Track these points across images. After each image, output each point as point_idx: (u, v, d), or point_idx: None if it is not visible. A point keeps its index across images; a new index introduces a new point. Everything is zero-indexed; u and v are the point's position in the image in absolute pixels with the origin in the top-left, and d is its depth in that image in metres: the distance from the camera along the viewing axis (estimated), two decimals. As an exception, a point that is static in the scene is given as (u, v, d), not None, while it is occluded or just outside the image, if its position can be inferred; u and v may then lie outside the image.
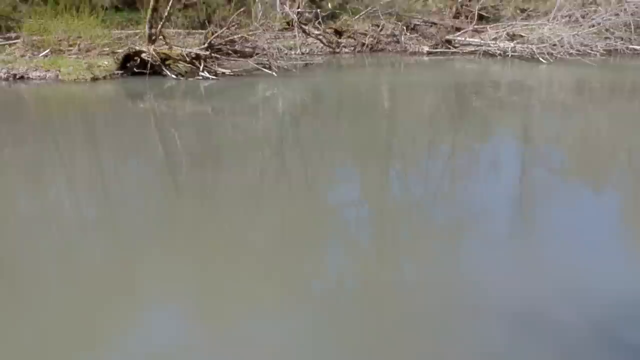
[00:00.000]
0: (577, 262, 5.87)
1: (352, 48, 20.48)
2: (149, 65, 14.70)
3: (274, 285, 5.26)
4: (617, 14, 20.20)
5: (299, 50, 18.83)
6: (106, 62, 15.22)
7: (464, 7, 22.06)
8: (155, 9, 15.12)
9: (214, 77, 14.83)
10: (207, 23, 16.81)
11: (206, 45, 15.13)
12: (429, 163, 9.51)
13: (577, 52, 18.79)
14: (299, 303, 5.00)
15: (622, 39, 19.87)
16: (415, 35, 20.93)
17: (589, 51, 19.02)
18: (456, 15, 22.20)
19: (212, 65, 15.10)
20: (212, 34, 15.48)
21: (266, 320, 4.71)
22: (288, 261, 5.71)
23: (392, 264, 5.92)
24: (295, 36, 19.30)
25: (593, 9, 20.93)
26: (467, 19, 21.65)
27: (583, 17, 20.40)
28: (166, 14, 15.47)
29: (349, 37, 20.57)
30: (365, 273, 5.55)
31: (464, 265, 5.76)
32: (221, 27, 15.85)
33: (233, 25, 15.94)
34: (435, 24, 21.50)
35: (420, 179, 8.73)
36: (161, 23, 15.13)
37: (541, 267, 5.76)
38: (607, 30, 20.02)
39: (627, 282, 5.48)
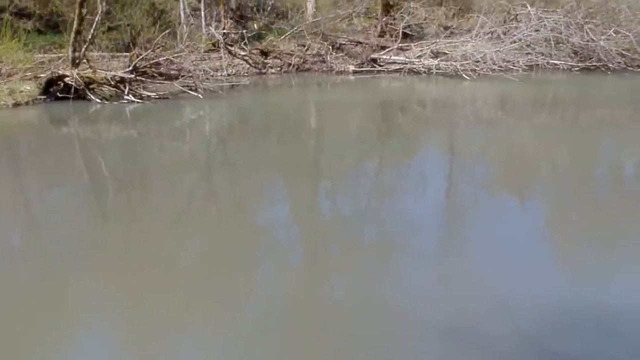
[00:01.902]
0: (504, 275, 6.16)
1: (279, 68, 20.75)
2: (72, 89, 14.67)
3: (204, 307, 5.35)
4: (537, 30, 21.09)
5: (225, 72, 19.03)
6: (28, 87, 15.13)
7: (388, 25, 22.59)
8: (78, 32, 15.10)
9: (139, 100, 14.88)
10: (131, 45, 16.76)
11: (131, 68, 15.19)
12: (357, 181, 9.68)
13: (500, 68, 19.61)
14: (229, 325, 5.06)
15: (542, 54, 20.85)
16: (341, 54, 21.31)
17: (511, 67, 19.87)
18: (381, 34, 22.69)
19: (137, 88, 15.14)
20: (137, 56, 15.53)
21: (196, 343, 4.76)
22: (218, 283, 5.78)
23: (322, 282, 6.03)
24: (221, 57, 19.49)
25: (514, 25, 21.80)
26: (391, 37, 22.20)
27: (505, 33, 21.21)
28: (90, 36, 15.53)
29: (275, 57, 20.80)
30: (296, 293, 5.65)
31: (394, 281, 5.99)
32: (146, 49, 15.93)
33: (158, 48, 16.03)
34: (360, 43, 21.95)
35: (349, 196, 8.89)
36: (85, 46, 15.13)
37: (470, 280, 5.99)
38: (528, 46, 20.94)
39: (553, 293, 5.74)
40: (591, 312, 5.39)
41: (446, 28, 23.49)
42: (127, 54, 17.02)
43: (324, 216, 8.41)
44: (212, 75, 18.18)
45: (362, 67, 21.34)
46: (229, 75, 19.69)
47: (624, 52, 22.26)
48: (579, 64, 21.92)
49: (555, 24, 22.12)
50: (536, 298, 5.55)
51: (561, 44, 22.11)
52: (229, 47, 20.45)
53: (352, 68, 21.24)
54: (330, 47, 21.89)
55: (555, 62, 21.61)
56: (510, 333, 5.00)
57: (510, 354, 4.78)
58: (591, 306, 5.48)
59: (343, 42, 22.42)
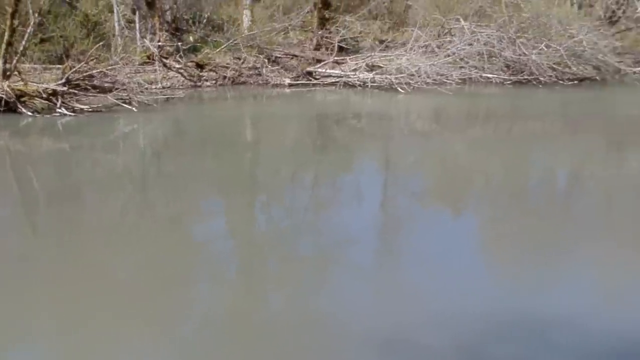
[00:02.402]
0: (440, 286, 6.25)
1: (214, 81, 20.80)
2: (3, 102, 14.37)
3: (138, 323, 5.31)
4: (470, 44, 21.59)
5: (159, 85, 18.98)
6: (-43, 100, 14.75)
7: (324, 39, 22.80)
8: (10, 44, 14.91)
9: (72, 113, 14.79)
10: (64, 57, 16.54)
11: (64, 80, 15.08)
12: (293, 194, 9.77)
13: (434, 82, 20.06)
14: (164, 340, 5.05)
15: (476, 67, 21.42)
16: (277, 67, 21.45)
17: (445, 80, 20.33)
18: (317, 47, 22.89)
19: (70, 101, 15.03)
20: (70, 68, 15.44)
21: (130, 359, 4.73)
22: (152, 298, 5.77)
23: (259, 296, 6.07)
24: (156, 70, 19.35)
25: (448, 39, 22.30)
26: (327, 50, 22.43)
27: (439, 47, 21.69)
28: (22, 48, 15.23)
29: (211, 70, 20.85)
30: (231, 306, 5.67)
31: (330, 294, 6.09)
32: (79, 61, 15.87)
33: (92, 60, 15.92)
34: (296, 56, 22.07)
35: (285, 209, 8.96)
36: (16, 58, 14.94)
37: (406, 292, 6.09)
38: (461, 59, 21.37)
39: (488, 303, 5.87)
40: (525, 321, 5.52)
41: (381, 42, 23.83)
42: (60, 66, 16.88)
43: (260, 229, 8.45)
44: (147, 88, 18.14)
45: (297, 80, 21.52)
46: (163, 88, 19.64)
47: (555, 66, 22.96)
48: (512, 78, 22.53)
49: (488, 38, 22.68)
50: (471, 309, 5.68)
51: (494, 58, 22.68)
52: (164, 60, 20.43)
53: (287, 81, 21.39)
54: (266, 60, 22.03)
55: (488, 75, 22.15)
56: (446, 344, 5.10)
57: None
58: (525, 315, 5.60)
59: (279, 55, 22.58)
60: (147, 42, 20.77)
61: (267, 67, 21.98)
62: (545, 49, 23.13)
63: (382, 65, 21.42)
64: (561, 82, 22.96)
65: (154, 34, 21.49)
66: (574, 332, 5.32)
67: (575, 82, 23.22)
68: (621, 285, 6.37)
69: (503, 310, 5.69)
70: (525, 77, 22.77)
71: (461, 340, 5.15)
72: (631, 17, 28.15)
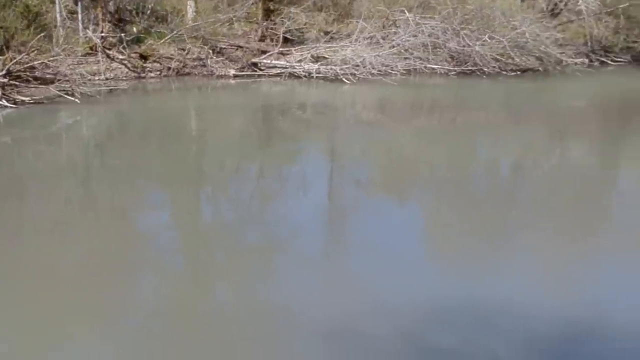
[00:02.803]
0: (385, 275, 6.37)
1: (158, 72, 20.70)
2: (-59, 94, 14.11)
3: (83, 317, 5.34)
4: (415, 36, 21.88)
5: (103, 76, 18.79)
6: None
7: (269, 30, 22.86)
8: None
9: (13, 105, 14.58)
10: (4, 49, 16.23)
11: (4, 72, 14.79)
12: (239, 185, 9.84)
13: (379, 72, 20.30)
14: (110, 333, 5.09)
15: (420, 58, 21.69)
16: (222, 58, 21.44)
17: (390, 71, 20.57)
18: (262, 39, 22.93)
19: (11, 93, 14.84)
20: (11, 60, 15.11)
21: (75, 352, 4.73)
22: (98, 291, 5.76)
23: (205, 287, 6.10)
24: (99, 61, 19.07)
25: (393, 30, 22.55)
26: (272, 41, 22.42)
27: (384, 38, 21.90)
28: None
29: (155, 61, 20.73)
30: (178, 298, 5.69)
31: (276, 284, 6.13)
32: (20, 52, 15.51)
33: (33, 51, 15.65)
34: (241, 47, 22.00)
35: (230, 201, 9.03)
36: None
37: (351, 282, 6.21)
38: (406, 50, 21.54)
39: (433, 291, 6.02)
40: (469, 308, 5.68)
41: (326, 33, 23.94)
42: (0, 57, 16.54)
43: (206, 221, 8.50)
44: (90, 80, 18.01)
45: (243, 72, 21.54)
46: (107, 79, 19.49)
47: (498, 57, 23.35)
48: (456, 68, 22.88)
49: (433, 29, 22.97)
50: (416, 297, 5.85)
51: (438, 49, 23.00)
52: (107, 51, 20.23)
53: (232, 72, 21.39)
54: (211, 51, 21.98)
55: (433, 66, 22.47)
56: (391, 332, 5.23)
57: (391, 353, 4.99)
58: (469, 303, 5.77)
59: (224, 46, 22.55)
60: (89, 33, 20.56)
61: (211, 58, 21.92)
62: (489, 41, 23.50)
63: (327, 57, 21.55)
64: (504, 72, 23.37)
65: (97, 24, 21.29)
66: (516, 318, 5.53)
67: (518, 72, 23.69)
68: (561, 272, 6.58)
69: (448, 298, 5.84)
70: (469, 67, 23.13)
71: (406, 328, 5.32)
72: (572, 10, 28.72)
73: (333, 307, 5.61)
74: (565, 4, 29.04)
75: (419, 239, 7.82)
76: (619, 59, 29.00)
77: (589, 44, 28.22)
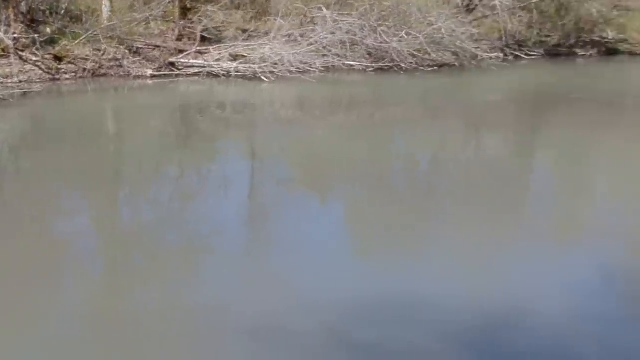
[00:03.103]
0: (308, 272, 6.53)
1: (74, 74, 20.32)
2: None
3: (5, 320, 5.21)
4: (333, 33, 22.10)
5: (16, 79, 18.26)
6: None
7: (186, 29, 22.70)
8: None
9: None
10: None
11: None
12: (158, 186, 9.85)
13: (298, 70, 20.45)
14: (28, 339, 5.00)
15: (338, 55, 21.71)
16: (139, 58, 21.25)
17: (309, 68, 20.78)
18: (179, 38, 22.82)
19: None
20: None
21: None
22: (13, 298, 5.65)
23: (127, 289, 6.07)
24: (11, 63, 18.58)
25: (311, 28, 22.56)
26: (190, 40, 22.24)
27: (302, 36, 22.08)
28: None
29: (70, 62, 20.33)
30: (98, 303, 5.65)
31: (199, 284, 6.13)
32: None
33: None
34: (158, 46, 21.76)
35: (150, 203, 9.04)
36: None
37: (276, 280, 6.32)
38: (324, 48, 21.62)
39: (356, 287, 6.14)
40: (392, 303, 5.83)
41: (244, 31, 23.88)
42: None
43: (125, 223, 8.48)
44: (2, 83, 17.54)
45: (160, 71, 21.38)
46: (20, 82, 19.06)
47: (415, 53, 23.74)
48: (374, 65, 23.18)
49: (350, 26, 23.22)
50: (339, 294, 5.96)
51: (356, 46, 23.27)
52: (20, 53, 19.78)
53: (150, 72, 21.17)
54: (127, 51, 21.72)
55: (351, 63, 22.70)
56: (315, 330, 5.35)
57: (316, 350, 5.10)
58: (392, 298, 5.91)
59: (140, 46, 22.34)
60: (1, 34, 20.07)
61: (128, 58, 21.68)
62: (406, 37, 23.90)
63: (245, 55, 21.58)
64: (422, 68, 23.77)
65: (9, 25, 20.82)
66: (438, 311, 5.72)
67: (435, 68, 24.13)
68: (479, 264, 6.77)
69: (370, 292, 5.98)
70: (387, 64, 23.47)
71: (329, 324, 5.45)
72: (487, 5, 29.40)
73: (256, 305, 5.69)
74: (480, 0, 29.62)
75: (340, 235, 7.96)
76: (532, 53, 29.84)
77: (504, 38, 28.94)
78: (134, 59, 21.94)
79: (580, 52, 31.83)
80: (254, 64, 21.09)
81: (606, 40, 32.88)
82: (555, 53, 30.70)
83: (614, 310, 5.91)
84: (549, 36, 30.83)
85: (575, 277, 6.59)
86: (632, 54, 32.87)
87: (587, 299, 6.08)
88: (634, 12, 33.56)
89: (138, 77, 21.23)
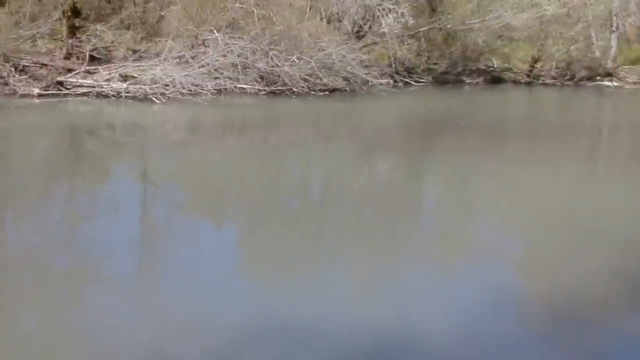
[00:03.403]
0: (198, 297, 6.50)
1: (-44, 93, 19.43)
2: None
3: None
4: (224, 55, 22.30)
5: None
6: None
7: (74, 47, 22.19)
8: None
9: None
10: None
11: None
12: (45, 210, 9.56)
13: (189, 92, 20.49)
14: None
15: (230, 78, 21.85)
16: (25, 76, 20.59)
17: (200, 90, 20.87)
18: (67, 56, 22.47)
19: None
20: None
21: None
22: None
23: (10, 317, 5.88)
24: None
25: (202, 50, 22.49)
26: (78, 60, 21.84)
27: (193, 58, 22.08)
28: None
29: (-49, 81, 19.50)
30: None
31: (86, 310, 6.04)
32: None
33: None
34: (45, 65, 21.25)
35: (37, 227, 8.74)
36: None
37: (166, 305, 6.29)
38: (216, 70, 21.68)
39: (246, 310, 6.17)
40: (284, 325, 5.91)
41: (135, 52, 23.67)
42: None
43: (10, 248, 8.22)
44: None
45: (48, 90, 20.95)
46: None
47: (306, 77, 24.09)
48: (266, 88, 23.46)
49: (242, 49, 23.43)
50: (229, 317, 6.02)
51: (248, 69, 23.45)
52: None
53: (37, 91, 20.71)
54: (13, 69, 21.13)
55: (243, 86, 22.89)
56: (205, 354, 5.35)
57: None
58: (282, 321, 5.98)
59: (27, 64, 21.75)
60: None
61: (14, 76, 21.11)
62: (297, 61, 24.24)
63: (136, 76, 21.44)
64: (313, 92, 24.13)
65: None
66: (329, 335, 5.80)
67: (327, 92, 24.54)
68: (372, 285, 6.93)
69: (262, 317, 6.03)
70: (279, 87, 23.76)
71: (220, 349, 5.50)
72: (377, 32, 30.05)
73: (145, 331, 5.67)
74: (370, 27, 30.34)
75: (231, 259, 8.02)
76: (421, 80, 30.67)
77: (393, 65, 29.68)
78: (20, 77, 21.44)
79: (467, 79, 32.95)
80: (144, 84, 20.99)
81: (491, 68, 34.23)
82: (443, 80, 31.67)
83: (503, 330, 6.15)
84: (437, 64, 31.78)
85: (464, 298, 6.82)
86: (515, 82, 34.30)
87: (476, 320, 6.29)
88: (517, 42, 35.01)
89: (24, 95, 20.75)
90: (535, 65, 35.07)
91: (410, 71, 30.69)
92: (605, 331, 6.14)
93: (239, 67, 23.37)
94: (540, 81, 34.90)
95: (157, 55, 23.38)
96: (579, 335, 6.02)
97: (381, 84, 27.21)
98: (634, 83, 36.22)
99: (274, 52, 24.19)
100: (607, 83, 35.91)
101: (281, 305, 6.36)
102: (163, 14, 27.47)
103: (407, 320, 6.17)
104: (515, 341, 5.94)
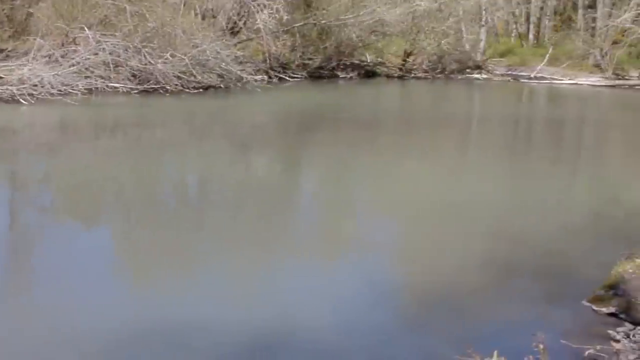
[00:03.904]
0: (76, 303, 6.50)
1: None
2: None
3: None
4: (96, 54, 22.07)
5: None
6: None
7: None
8: None
9: None
10: None
11: None
12: None
13: (59, 92, 20.45)
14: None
15: (102, 77, 21.68)
16: None
17: (71, 90, 20.63)
18: None
19: None
20: None
21: None
22: None
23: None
24: None
25: (73, 48, 22.22)
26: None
27: (63, 56, 21.77)
28: None
29: None
30: None
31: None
32: None
33: None
34: None
35: None
36: None
37: (40, 313, 6.25)
38: (87, 69, 21.37)
39: (128, 315, 6.22)
40: (164, 330, 5.99)
41: (1, 51, 23.05)
42: None
43: None
44: None
45: None
46: None
47: (180, 74, 24.06)
48: (139, 87, 23.32)
49: (114, 47, 23.24)
50: (107, 321, 6.06)
51: (120, 67, 23.30)
52: None
53: None
54: None
55: (115, 85, 22.70)
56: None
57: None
58: (164, 324, 6.07)
59: None
60: None
61: None
62: (171, 58, 24.26)
63: (2, 76, 20.90)
64: (187, 90, 24.18)
65: None
66: (211, 335, 5.93)
67: (201, 90, 24.67)
68: (252, 286, 7.14)
69: (143, 321, 6.11)
70: (152, 86, 23.73)
71: (99, 355, 5.52)
72: (251, 28, 30.27)
73: (18, 340, 5.69)
74: (245, 23, 30.54)
75: (108, 262, 8.04)
76: (296, 75, 31.15)
77: (268, 61, 29.94)
78: None
79: (341, 74, 33.62)
80: (11, 85, 20.49)
81: (365, 63, 34.99)
82: (318, 75, 32.31)
83: (382, 321, 6.48)
84: (311, 59, 32.31)
85: (344, 291, 7.13)
86: (388, 76, 35.22)
87: (356, 313, 6.58)
88: (390, 37, 35.86)
89: None
90: (408, 59, 36.24)
91: (285, 67, 31.21)
92: (478, 318, 6.60)
93: (111, 65, 23.25)
94: (413, 75, 36.01)
95: (26, 54, 22.91)
96: (453, 323, 6.46)
97: (256, 80, 27.48)
98: (502, 75, 37.85)
99: (146, 49, 24.13)
100: (476, 75, 37.42)
101: (160, 306, 6.46)
102: (32, 11, 26.88)
103: (287, 316, 6.38)
104: (393, 332, 6.28)
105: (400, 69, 35.98)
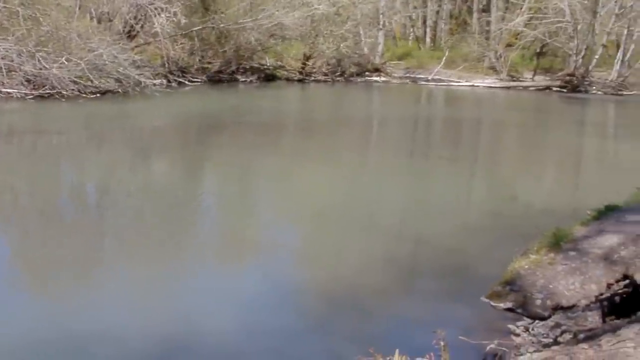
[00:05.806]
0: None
1: None
2: None
3: None
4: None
5: None
6: None
7: None
8: None
9: None
10: None
11: None
12: None
13: None
14: None
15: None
16: None
17: (-39, 97, 19.49)
18: None
19: None
20: None
21: None
22: None
23: None
24: None
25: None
26: None
27: (-48, 61, 20.76)
28: None
29: None
30: None
31: None
32: None
33: None
34: None
35: None
36: None
37: None
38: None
39: (28, 327, 6.18)
40: (66, 340, 6.00)
41: None
42: None
43: None
44: None
45: None
46: None
47: (76, 79, 23.72)
48: (33, 92, 22.91)
49: (7, 51, 22.75)
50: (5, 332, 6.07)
51: (14, 72, 22.75)
52: None
53: None
54: None
55: (9, 90, 22.26)
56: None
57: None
58: (65, 335, 6.08)
59: None
60: None
61: None
62: (67, 63, 24.01)
63: None
64: (84, 95, 24.03)
65: None
66: (111, 343, 6.00)
67: (98, 95, 24.53)
68: (158, 290, 7.22)
69: (43, 333, 6.09)
70: (48, 91, 23.52)
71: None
72: (149, 32, 30.14)
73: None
74: (142, 27, 30.38)
75: (3, 273, 7.95)
76: (195, 79, 31.25)
77: (166, 65, 29.94)
78: None
79: (241, 78, 33.87)
80: None
81: (265, 67, 35.29)
82: (217, 79, 32.54)
83: (286, 323, 6.77)
84: (210, 63, 32.45)
85: (247, 294, 7.38)
86: (288, 79, 35.66)
87: (260, 315, 6.89)
88: (289, 41, 36.22)
89: None
90: (307, 63, 36.73)
91: (184, 71, 31.32)
92: (379, 318, 6.91)
93: (4, 70, 22.87)
94: (313, 78, 36.71)
95: None
96: (356, 323, 6.75)
97: (154, 84, 27.46)
98: (400, 77, 38.77)
99: (41, 53, 23.86)
100: (375, 78, 38.34)
101: (60, 316, 6.50)
102: None
103: (190, 320, 6.54)
104: (297, 332, 6.57)
105: (300, 72, 36.59)
